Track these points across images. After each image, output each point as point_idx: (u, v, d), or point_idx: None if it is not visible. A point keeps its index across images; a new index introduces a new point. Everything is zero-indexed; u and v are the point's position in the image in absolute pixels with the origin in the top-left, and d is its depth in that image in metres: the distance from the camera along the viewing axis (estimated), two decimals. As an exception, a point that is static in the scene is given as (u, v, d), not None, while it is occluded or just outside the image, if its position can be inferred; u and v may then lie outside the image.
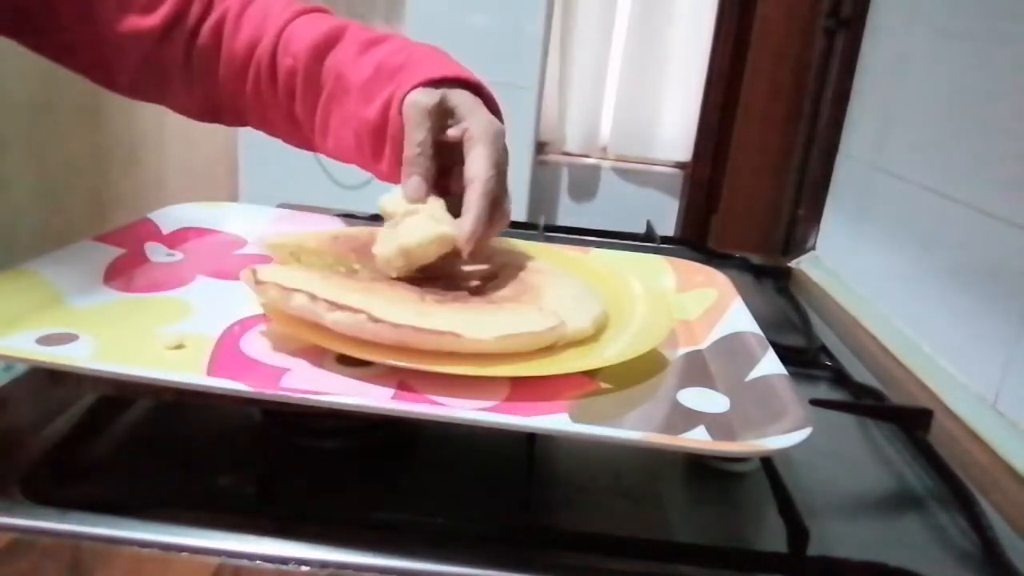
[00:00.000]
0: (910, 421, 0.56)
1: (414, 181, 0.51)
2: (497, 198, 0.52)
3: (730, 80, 1.32)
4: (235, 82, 0.61)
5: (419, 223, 0.50)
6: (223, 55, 0.60)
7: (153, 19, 0.58)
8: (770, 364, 0.45)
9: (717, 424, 0.41)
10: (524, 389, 0.42)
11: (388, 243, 0.50)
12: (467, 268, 0.54)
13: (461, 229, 0.49)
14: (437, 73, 0.53)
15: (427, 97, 0.52)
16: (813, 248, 0.99)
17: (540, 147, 1.45)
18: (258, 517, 0.38)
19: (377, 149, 0.56)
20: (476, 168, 0.50)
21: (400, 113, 0.53)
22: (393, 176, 0.55)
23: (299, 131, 0.62)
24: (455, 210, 0.51)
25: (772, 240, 1.13)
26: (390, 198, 0.52)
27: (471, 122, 0.51)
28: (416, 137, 0.52)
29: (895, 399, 0.61)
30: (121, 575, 0.35)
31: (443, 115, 0.53)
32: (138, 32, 0.58)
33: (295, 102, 0.59)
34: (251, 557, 0.36)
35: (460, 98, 0.52)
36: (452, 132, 0.52)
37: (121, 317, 0.47)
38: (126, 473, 0.43)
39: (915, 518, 0.47)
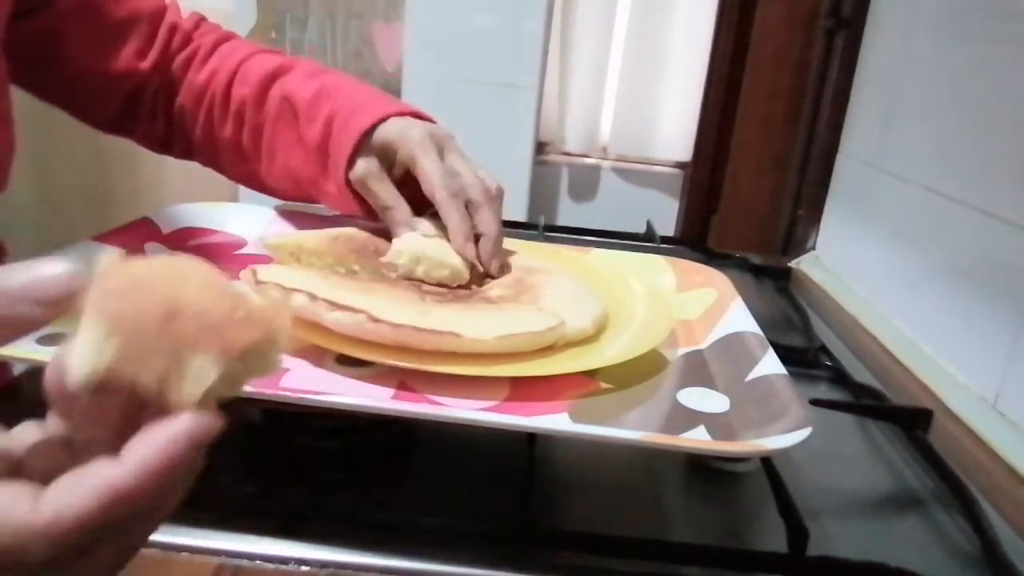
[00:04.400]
0: (910, 421, 0.56)
1: (415, 226, 0.54)
2: (464, 188, 0.53)
3: (730, 80, 1.31)
4: (190, 112, 0.63)
5: (441, 245, 0.52)
6: (184, 85, 0.63)
7: (146, 63, 0.62)
8: (770, 364, 0.45)
9: (717, 424, 0.41)
10: (524, 389, 0.42)
11: (410, 243, 0.52)
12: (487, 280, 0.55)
13: (467, 252, 0.52)
14: (368, 120, 0.55)
15: (365, 164, 0.55)
16: (813, 248, 0.99)
17: (540, 147, 1.45)
18: (258, 517, 0.38)
19: (323, 167, 0.57)
20: (427, 180, 0.53)
21: (342, 132, 0.55)
22: (341, 202, 0.57)
23: (245, 161, 0.63)
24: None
25: (772, 240, 1.13)
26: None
27: (401, 146, 0.54)
28: (381, 195, 0.54)
29: (895, 399, 0.61)
30: (121, 574, 0.35)
31: (385, 156, 0.55)
32: (130, 73, 0.61)
33: (243, 129, 0.61)
34: (251, 557, 0.36)
35: (388, 133, 0.55)
36: (395, 173, 0.55)
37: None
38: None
39: (915, 518, 0.47)
